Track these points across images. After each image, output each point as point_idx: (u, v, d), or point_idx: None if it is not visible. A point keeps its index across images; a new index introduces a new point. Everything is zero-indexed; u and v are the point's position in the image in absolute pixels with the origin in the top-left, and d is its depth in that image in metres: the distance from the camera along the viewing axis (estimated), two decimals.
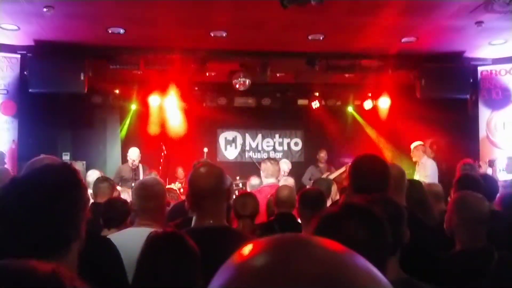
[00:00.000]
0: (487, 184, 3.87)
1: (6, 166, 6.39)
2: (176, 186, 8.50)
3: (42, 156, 2.58)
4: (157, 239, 1.91)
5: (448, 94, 7.92)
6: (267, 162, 5.48)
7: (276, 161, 5.64)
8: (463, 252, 2.51)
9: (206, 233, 2.23)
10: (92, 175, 5.46)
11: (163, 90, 9.23)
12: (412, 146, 7.85)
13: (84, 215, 1.37)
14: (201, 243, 2.21)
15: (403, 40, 7.15)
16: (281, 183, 5.69)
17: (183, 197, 7.57)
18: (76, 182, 1.37)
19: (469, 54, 7.78)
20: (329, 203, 4.38)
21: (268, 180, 5.34)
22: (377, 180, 2.42)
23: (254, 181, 6.16)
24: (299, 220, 3.78)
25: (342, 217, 1.38)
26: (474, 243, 2.50)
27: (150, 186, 2.96)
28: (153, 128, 9.58)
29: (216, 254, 2.15)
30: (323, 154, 9.36)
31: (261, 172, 5.47)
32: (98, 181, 4.49)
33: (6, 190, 1.32)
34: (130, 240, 2.65)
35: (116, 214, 3.36)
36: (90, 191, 4.86)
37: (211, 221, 2.28)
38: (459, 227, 2.55)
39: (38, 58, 6.89)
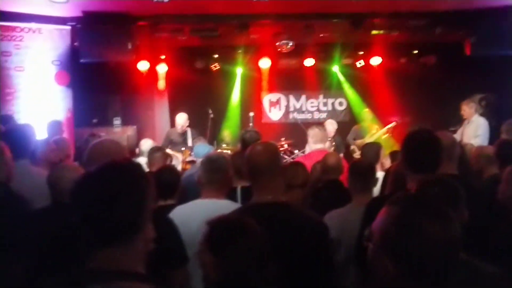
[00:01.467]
0: None
1: (64, 134, 6.69)
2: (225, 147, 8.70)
3: (103, 138, 2.72)
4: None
5: (499, 50, 7.62)
6: (315, 128, 5.52)
7: (323, 127, 5.68)
8: None
9: (265, 208, 2.36)
10: (145, 144, 5.67)
11: (207, 55, 9.35)
12: (463, 103, 7.69)
13: (150, 207, 1.51)
14: (261, 217, 2.36)
15: None
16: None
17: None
18: (143, 178, 1.51)
19: None
20: (378, 167, 4.44)
21: (316, 146, 5.40)
22: (431, 158, 2.47)
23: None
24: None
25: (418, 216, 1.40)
26: None
27: (216, 160, 3.16)
28: (198, 92, 9.75)
29: (275, 228, 2.31)
30: (367, 114, 9.32)
31: (309, 138, 5.53)
32: (152, 151, 4.68)
33: (82, 184, 1.48)
34: (197, 211, 2.84)
35: (166, 183, 3.39)
36: (145, 159, 5.09)
37: (269, 197, 2.40)
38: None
39: (87, 29, 7.06)
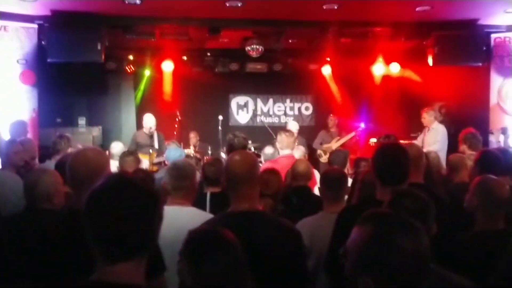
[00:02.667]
0: (507, 159, 4.01)
1: (28, 134, 6.57)
2: (189, 151, 8.71)
3: (83, 147, 2.72)
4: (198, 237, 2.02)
5: (461, 61, 7.95)
6: (282, 134, 5.63)
7: (291, 132, 5.80)
8: (481, 233, 2.67)
9: (242, 217, 2.43)
10: (116, 147, 5.65)
11: (176, 56, 9.34)
12: (423, 111, 7.95)
13: (159, 227, 1.54)
14: (237, 226, 2.43)
15: (418, 8, 7.15)
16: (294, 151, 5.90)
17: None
18: (154, 199, 1.52)
19: (483, 21, 7.76)
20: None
21: (284, 152, 5.51)
22: (400, 171, 2.60)
23: (268, 150, 6.31)
24: (317, 193, 3.98)
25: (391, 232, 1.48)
26: (492, 225, 2.66)
27: (182, 167, 3.17)
28: (167, 94, 9.73)
29: (252, 237, 2.38)
30: (333, 119, 9.51)
31: (277, 143, 5.63)
32: (124, 155, 4.69)
33: (99, 200, 1.47)
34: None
35: None
36: (115, 162, 5.07)
37: (246, 205, 2.47)
38: (479, 209, 2.71)
39: (55, 28, 6.94)
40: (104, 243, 1.43)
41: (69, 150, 4.92)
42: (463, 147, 5.57)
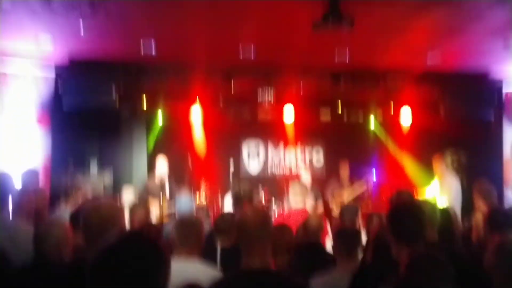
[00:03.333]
0: None
1: (40, 183, 6.58)
2: (201, 200, 8.68)
3: (100, 201, 2.71)
4: None
5: (472, 114, 7.96)
6: (296, 184, 5.61)
7: (303, 184, 5.76)
8: None
9: (254, 277, 2.39)
10: (127, 194, 5.63)
11: (189, 104, 9.43)
12: (435, 161, 7.85)
13: (167, 284, 1.53)
14: (250, 286, 2.38)
15: (429, 60, 7.23)
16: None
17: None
18: (164, 260, 1.53)
19: (495, 75, 7.82)
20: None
21: (296, 203, 5.45)
22: (416, 229, 2.56)
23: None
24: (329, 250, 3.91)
25: None
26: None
27: (189, 224, 3.25)
28: (179, 140, 9.75)
29: None
30: (345, 169, 9.41)
31: (290, 195, 5.60)
32: (135, 207, 4.67)
33: (99, 260, 1.48)
34: None
35: None
36: (126, 212, 5.04)
37: (257, 262, 2.42)
38: (497, 270, 2.65)
39: (72, 78, 7.10)
40: None
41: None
42: (478, 200, 5.42)
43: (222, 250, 3.63)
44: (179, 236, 3.15)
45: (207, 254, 3.37)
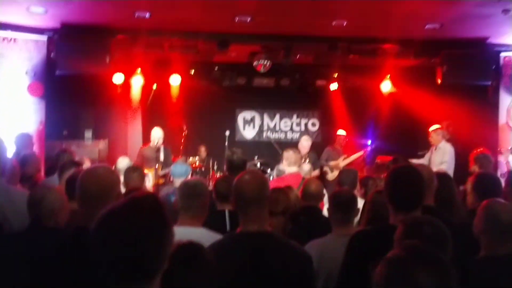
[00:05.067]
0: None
1: (34, 147, 6.55)
2: (192, 160, 8.71)
3: (96, 165, 2.67)
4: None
5: (469, 80, 7.90)
6: (289, 150, 5.60)
7: (298, 149, 5.75)
8: (487, 257, 2.61)
9: (252, 238, 2.39)
10: (122, 162, 5.61)
11: (184, 70, 9.33)
12: (431, 129, 7.85)
13: (169, 250, 1.51)
14: (247, 248, 2.38)
15: (427, 26, 7.13)
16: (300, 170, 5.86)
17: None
18: (166, 221, 1.51)
19: (493, 40, 7.73)
20: (356, 193, 4.49)
21: (290, 169, 5.46)
22: (415, 196, 2.53)
23: (281, 166, 6.27)
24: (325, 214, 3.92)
25: (410, 265, 1.44)
26: (498, 250, 2.59)
27: (193, 186, 3.13)
28: (173, 108, 9.71)
29: (262, 259, 2.33)
30: (343, 137, 9.40)
31: (283, 160, 5.59)
32: (129, 170, 4.63)
33: (103, 224, 1.46)
34: None
35: None
36: (121, 178, 5.02)
37: (255, 226, 2.42)
38: (485, 234, 2.65)
39: (65, 40, 6.96)
40: (115, 265, 1.42)
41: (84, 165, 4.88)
42: (474, 168, 5.50)
43: (231, 214, 3.58)
44: (183, 199, 3.05)
45: (213, 220, 3.33)
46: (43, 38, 7.13)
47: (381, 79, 9.66)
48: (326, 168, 9.11)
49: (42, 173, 5.98)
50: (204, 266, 1.92)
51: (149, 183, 6.61)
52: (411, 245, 1.51)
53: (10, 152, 5.70)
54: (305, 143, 8.49)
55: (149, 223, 1.46)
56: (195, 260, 1.91)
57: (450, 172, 7.04)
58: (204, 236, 2.82)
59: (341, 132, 9.46)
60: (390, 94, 9.78)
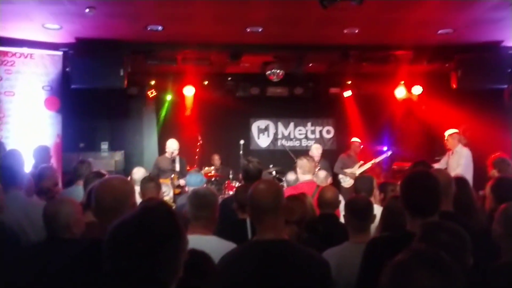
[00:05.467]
0: None
1: (52, 159, 6.62)
2: (207, 170, 8.73)
3: (110, 176, 2.70)
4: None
5: (485, 84, 7.82)
6: (303, 159, 5.57)
7: (312, 158, 5.73)
8: (508, 263, 2.55)
9: (268, 246, 2.37)
10: (138, 173, 5.63)
11: (197, 81, 9.41)
12: (447, 133, 7.74)
13: (183, 259, 1.51)
14: (264, 256, 2.38)
15: (439, 31, 7.09)
16: (314, 177, 5.83)
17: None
18: (179, 230, 1.51)
19: (507, 43, 7.66)
20: (372, 200, 4.46)
21: (304, 177, 5.43)
22: (432, 202, 2.49)
23: (290, 176, 6.28)
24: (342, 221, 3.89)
25: (413, 268, 1.42)
26: None
27: (203, 196, 3.12)
28: (188, 119, 9.78)
29: (279, 267, 2.31)
30: (358, 145, 9.35)
31: (298, 168, 5.57)
32: (145, 181, 4.64)
33: (115, 234, 1.46)
34: None
35: None
36: (137, 188, 5.05)
37: (272, 235, 2.41)
38: (505, 238, 2.59)
39: (79, 55, 7.07)
40: (128, 275, 1.41)
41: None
42: (493, 172, 5.42)
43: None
44: (192, 209, 3.05)
45: (233, 229, 3.29)
46: (59, 53, 7.24)
47: (395, 86, 9.63)
48: (341, 176, 9.07)
49: (60, 185, 6.04)
50: (207, 275, 1.92)
51: (170, 193, 6.63)
52: (415, 249, 1.50)
53: (29, 164, 5.80)
54: (316, 152, 8.48)
55: (161, 232, 1.45)
56: (198, 268, 1.90)
57: (469, 176, 6.94)
58: (214, 244, 2.84)
59: (355, 139, 9.41)
60: (405, 100, 9.74)
